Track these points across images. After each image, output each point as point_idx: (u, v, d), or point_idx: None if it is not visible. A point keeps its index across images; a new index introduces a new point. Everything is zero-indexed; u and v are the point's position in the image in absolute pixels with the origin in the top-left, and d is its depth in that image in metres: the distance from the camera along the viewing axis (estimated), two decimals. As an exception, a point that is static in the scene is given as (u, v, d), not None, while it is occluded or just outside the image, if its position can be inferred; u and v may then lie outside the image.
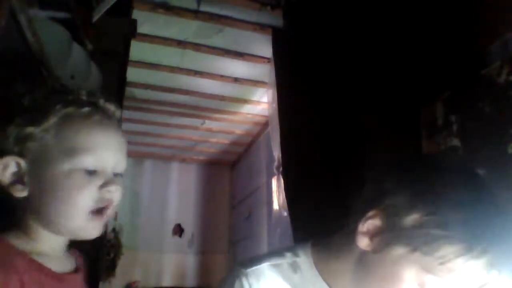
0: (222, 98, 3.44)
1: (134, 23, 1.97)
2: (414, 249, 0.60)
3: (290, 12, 2.32)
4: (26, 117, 0.64)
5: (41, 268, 0.64)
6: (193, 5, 2.30)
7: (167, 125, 4.05)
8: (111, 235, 4.46)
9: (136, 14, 2.15)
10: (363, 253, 0.68)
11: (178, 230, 5.02)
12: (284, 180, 2.25)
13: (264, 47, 2.59)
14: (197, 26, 2.47)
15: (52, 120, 0.65)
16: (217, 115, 3.82)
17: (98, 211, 0.66)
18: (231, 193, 5.25)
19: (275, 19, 2.40)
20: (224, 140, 4.50)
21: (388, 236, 0.64)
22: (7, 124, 0.64)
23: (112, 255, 4.45)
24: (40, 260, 0.64)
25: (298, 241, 1.72)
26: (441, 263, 0.59)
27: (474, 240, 0.58)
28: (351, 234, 0.69)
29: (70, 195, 0.63)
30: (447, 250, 0.58)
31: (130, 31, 1.94)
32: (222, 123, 4.02)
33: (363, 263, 0.68)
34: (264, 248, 3.65)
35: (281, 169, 2.45)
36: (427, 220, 0.60)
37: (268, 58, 2.72)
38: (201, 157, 5.14)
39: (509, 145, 1.01)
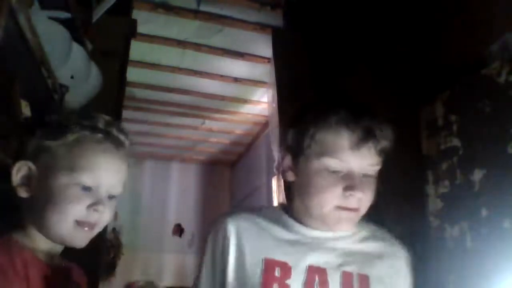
0: (222, 98, 3.44)
1: (134, 23, 1.97)
2: (319, 155, 0.84)
3: (290, 12, 2.32)
4: (46, 132, 0.73)
5: (40, 262, 0.71)
6: (193, 5, 2.31)
7: (167, 125, 4.05)
8: (111, 235, 4.46)
9: (136, 14, 2.15)
10: (295, 183, 0.93)
11: (178, 230, 5.02)
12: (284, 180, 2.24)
13: (264, 47, 2.59)
14: (197, 26, 2.47)
15: (69, 138, 0.73)
16: (217, 115, 3.82)
17: (84, 224, 0.72)
18: (231, 193, 5.25)
19: (275, 19, 2.40)
20: (224, 140, 4.50)
21: (296, 161, 0.90)
22: (30, 135, 0.74)
23: (112, 255, 4.45)
24: (40, 256, 0.72)
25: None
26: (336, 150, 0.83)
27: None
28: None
29: (62, 205, 0.70)
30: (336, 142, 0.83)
31: (130, 31, 1.94)
32: (222, 123, 4.02)
33: (299, 187, 0.92)
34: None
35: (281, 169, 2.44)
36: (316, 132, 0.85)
37: (268, 58, 2.71)
38: (201, 157, 5.13)
39: (509, 145, 1.01)
